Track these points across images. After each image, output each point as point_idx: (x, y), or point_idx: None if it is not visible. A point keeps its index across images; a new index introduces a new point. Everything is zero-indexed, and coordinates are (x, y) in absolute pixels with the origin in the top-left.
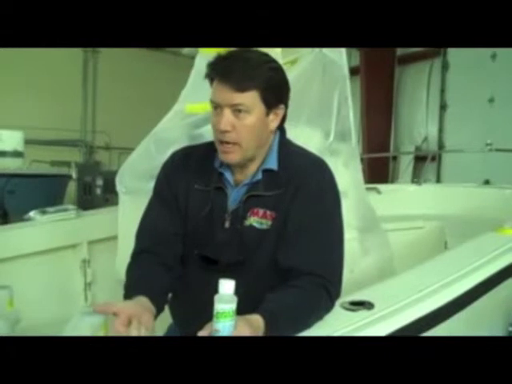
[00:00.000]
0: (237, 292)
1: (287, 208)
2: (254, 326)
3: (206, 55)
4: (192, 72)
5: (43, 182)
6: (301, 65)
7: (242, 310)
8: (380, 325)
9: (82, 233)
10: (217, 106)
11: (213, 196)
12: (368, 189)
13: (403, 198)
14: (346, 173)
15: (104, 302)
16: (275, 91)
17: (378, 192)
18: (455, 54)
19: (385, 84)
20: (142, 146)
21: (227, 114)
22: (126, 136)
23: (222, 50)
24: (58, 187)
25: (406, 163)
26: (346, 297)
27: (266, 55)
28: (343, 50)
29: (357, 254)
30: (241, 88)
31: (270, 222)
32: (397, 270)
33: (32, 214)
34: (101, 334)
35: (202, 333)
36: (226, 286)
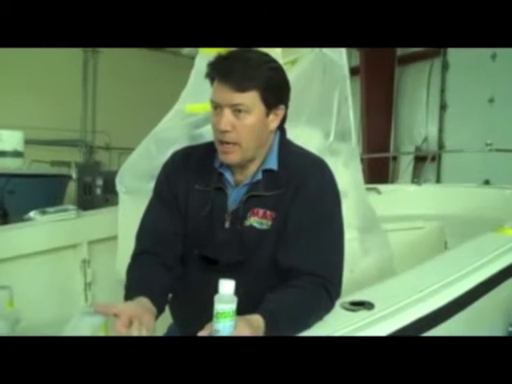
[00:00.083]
0: (237, 292)
1: (287, 208)
2: (254, 326)
3: (206, 55)
4: (192, 72)
5: (43, 182)
6: (301, 65)
7: (242, 310)
8: (380, 325)
9: (82, 233)
10: (217, 106)
11: (213, 196)
12: (368, 189)
13: (403, 198)
14: (346, 173)
15: (105, 303)
16: (275, 91)
17: (378, 192)
18: (455, 54)
19: (385, 84)
20: (142, 146)
21: (227, 114)
22: (126, 136)
23: (222, 50)
24: (58, 187)
25: (405, 163)
26: (346, 297)
27: (266, 55)
28: (343, 50)
29: (357, 254)
30: (241, 88)
31: (270, 222)
32: (397, 270)
33: (32, 214)
34: (101, 334)
35: (202, 333)
36: (226, 286)
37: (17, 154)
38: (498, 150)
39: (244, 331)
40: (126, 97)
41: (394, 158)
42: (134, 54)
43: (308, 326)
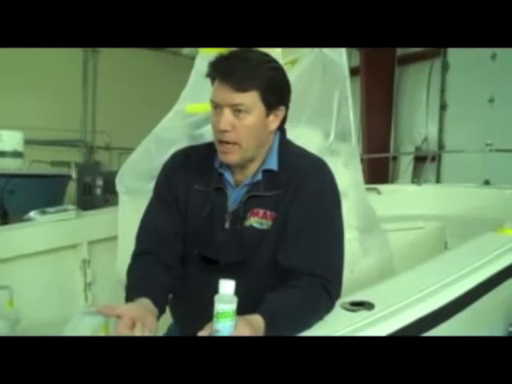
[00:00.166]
0: (237, 292)
1: (287, 208)
2: (254, 326)
3: (206, 55)
4: (192, 72)
5: (43, 182)
6: (301, 65)
7: (242, 310)
8: (380, 325)
9: (82, 233)
10: (217, 106)
11: (213, 196)
12: (368, 189)
13: (403, 199)
14: (346, 173)
15: (107, 304)
16: (275, 92)
17: (378, 192)
18: (455, 54)
19: (385, 84)
20: (143, 146)
21: (227, 113)
22: (126, 136)
23: (222, 50)
24: (57, 187)
25: (405, 163)
26: (346, 297)
27: (267, 55)
28: (343, 50)
29: (357, 255)
30: (241, 88)
31: (270, 223)
32: (397, 271)
33: (32, 214)
34: (101, 334)
35: (202, 333)
36: (226, 286)
37: (17, 155)
38: (497, 150)
39: (244, 331)
40: (126, 97)
41: (394, 158)
42: (134, 53)
43: (308, 326)
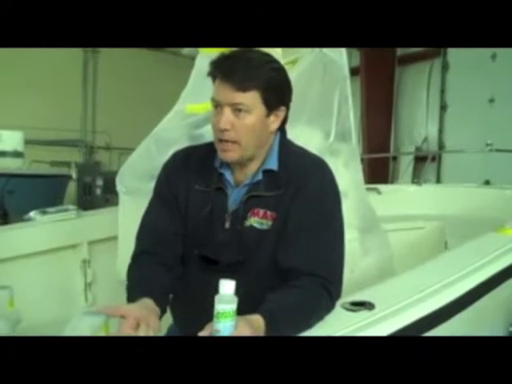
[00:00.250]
0: (237, 292)
1: (287, 208)
2: (254, 326)
3: (206, 55)
4: (192, 72)
5: (43, 182)
6: (301, 65)
7: (242, 310)
8: (381, 325)
9: (82, 233)
10: (217, 105)
11: (213, 196)
12: (368, 189)
13: (403, 199)
14: (347, 173)
15: (113, 305)
16: (276, 92)
17: (379, 192)
18: (455, 55)
19: (385, 84)
20: (143, 146)
21: (227, 112)
22: (127, 136)
23: (222, 50)
24: (58, 187)
25: (406, 163)
26: (346, 297)
27: (269, 55)
28: (343, 50)
29: (357, 255)
30: (242, 88)
31: (270, 223)
32: (397, 271)
33: (32, 214)
34: (101, 334)
35: (202, 333)
36: (227, 287)
37: (17, 154)
38: (498, 150)
39: (244, 331)
40: (126, 97)
41: (394, 158)
42: (134, 53)
43: (308, 326)
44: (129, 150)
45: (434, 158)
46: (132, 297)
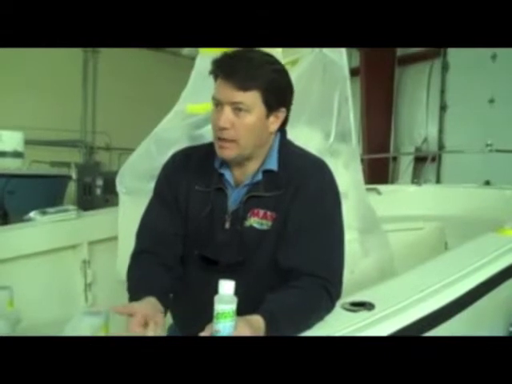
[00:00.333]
0: (237, 292)
1: (287, 209)
2: (254, 326)
3: (206, 55)
4: (192, 72)
5: (43, 182)
6: (301, 65)
7: (242, 310)
8: (381, 325)
9: (82, 233)
10: (218, 104)
11: (213, 197)
12: (368, 189)
13: (403, 199)
14: (347, 173)
15: (122, 306)
16: (277, 93)
17: (378, 193)
18: (455, 55)
19: (385, 85)
20: (143, 146)
21: (227, 111)
22: (126, 136)
23: (222, 50)
24: (58, 188)
25: (406, 164)
26: (346, 297)
27: (271, 56)
28: (343, 51)
29: (357, 255)
30: (243, 87)
31: (270, 223)
32: (397, 271)
33: (32, 214)
34: (101, 334)
35: (203, 334)
36: (226, 287)
37: (17, 155)
38: (498, 151)
39: (244, 331)
40: (126, 97)
41: (394, 159)
42: (134, 53)
43: (308, 326)
44: (129, 151)
45: (433, 159)
46: (134, 296)
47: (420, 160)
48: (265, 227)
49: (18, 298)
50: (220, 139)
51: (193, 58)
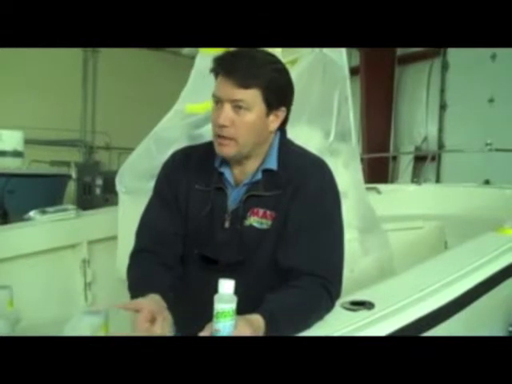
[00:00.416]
0: (237, 292)
1: (287, 208)
2: (254, 325)
3: (206, 55)
4: (192, 72)
5: (43, 181)
6: (301, 65)
7: (241, 309)
8: (380, 325)
9: (81, 233)
10: (218, 101)
11: (213, 196)
12: (368, 189)
13: (403, 198)
14: (346, 173)
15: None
16: (277, 92)
17: (378, 192)
18: (455, 54)
19: (385, 84)
20: (143, 145)
21: (227, 109)
22: (126, 136)
23: (222, 50)
24: (57, 187)
25: (405, 163)
26: (346, 297)
27: (273, 56)
28: (343, 50)
29: (357, 254)
30: (244, 85)
31: (270, 222)
32: (397, 270)
33: (32, 213)
34: (101, 334)
35: (202, 333)
36: (226, 286)
37: (16, 154)
38: (497, 150)
39: (244, 331)
40: (126, 96)
41: (394, 158)
42: (134, 53)
43: (308, 325)
44: (128, 150)
45: (433, 158)
46: (136, 294)
47: (420, 159)
48: (264, 226)
49: (18, 297)
50: (219, 136)
51: (193, 57)
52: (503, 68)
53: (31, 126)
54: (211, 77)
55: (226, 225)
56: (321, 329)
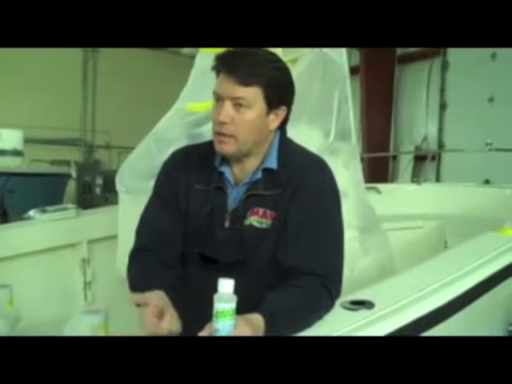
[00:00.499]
0: (236, 291)
1: (287, 207)
2: (254, 325)
3: (206, 54)
4: (192, 71)
5: (43, 180)
6: (301, 64)
7: (241, 309)
8: (380, 324)
9: (81, 232)
10: (219, 99)
11: (213, 196)
12: (368, 188)
13: (403, 198)
14: (346, 172)
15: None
16: (278, 91)
17: (378, 191)
18: (455, 54)
19: (385, 83)
20: (142, 144)
21: (228, 106)
22: (126, 135)
23: (222, 50)
24: (57, 186)
25: (405, 163)
26: (346, 296)
27: (274, 55)
28: (343, 50)
29: (357, 254)
30: (245, 82)
31: (269, 222)
32: (397, 270)
33: (32, 212)
34: (100, 333)
35: (202, 333)
36: (226, 285)
37: (16, 153)
38: (497, 150)
39: (244, 331)
40: (126, 95)
41: (394, 158)
42: (134, 53)
43: (308, 325)
44: (128, 149)
45: (433, 157)
46: (139, 291)
47: (420, 159)
48: (264, 226)
49: (18, 296)
50: (219, 134)
51: (192, 57)
52: (503, 68)
53: (31, 125)
54: (211, 76)
55: (226, 224)
56: (321, 328)
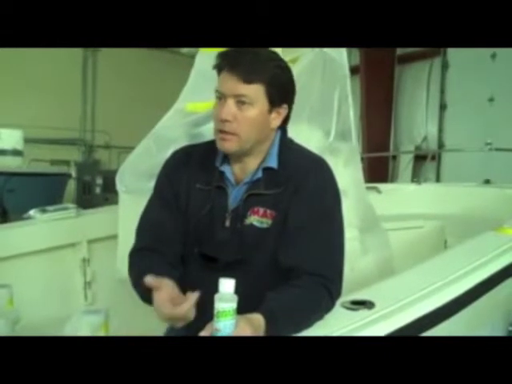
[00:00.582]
0: (237, 291)
1: (287, 207)
2: (254, 325)
3: (206, 54)
4: (192, 71)
5: (43, 180)
6: (301, 63)
7: (242, 309)
8: (381, 324)
9: (81, 232)
10: (221, 96)
11: (213, 195)
12: (368, 188)
13: (403, 198)
14: (346, 172)
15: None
16: (280, 89)
17: (378, 191)
18: (455, 54)
19: (385, 83)
20: (143, 144)
21: (230, 104)
22: (126, 135)
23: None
24: (57, 186)
25: (405, 162)
26: (346, 296)
27: (276, 54)
28: (344, 50)
29: (357, 253)
30: (247, 79)
31: (270, 221)
32: (397, 270)
33: (32, 212)
34: (100, 333)
35: (203, 333)
36: (227, 285)
37: (16, 153)
38: (497, 150)
39: (245, 330)
40: (126, 95)
41: (394, 157)
42: (134, 52)
43: (309, 325)
44: (128, 149)
45: (433, 157)
46: (141, 289)
47: (420, 159)
48: (265, 225)
49: (18, 296)
50: (221, 132)
51: (192, 56)
52: (503, 68)
53: (31, 124)
54: (211, 76)
55: (227, 224)
56: (321, 328)
